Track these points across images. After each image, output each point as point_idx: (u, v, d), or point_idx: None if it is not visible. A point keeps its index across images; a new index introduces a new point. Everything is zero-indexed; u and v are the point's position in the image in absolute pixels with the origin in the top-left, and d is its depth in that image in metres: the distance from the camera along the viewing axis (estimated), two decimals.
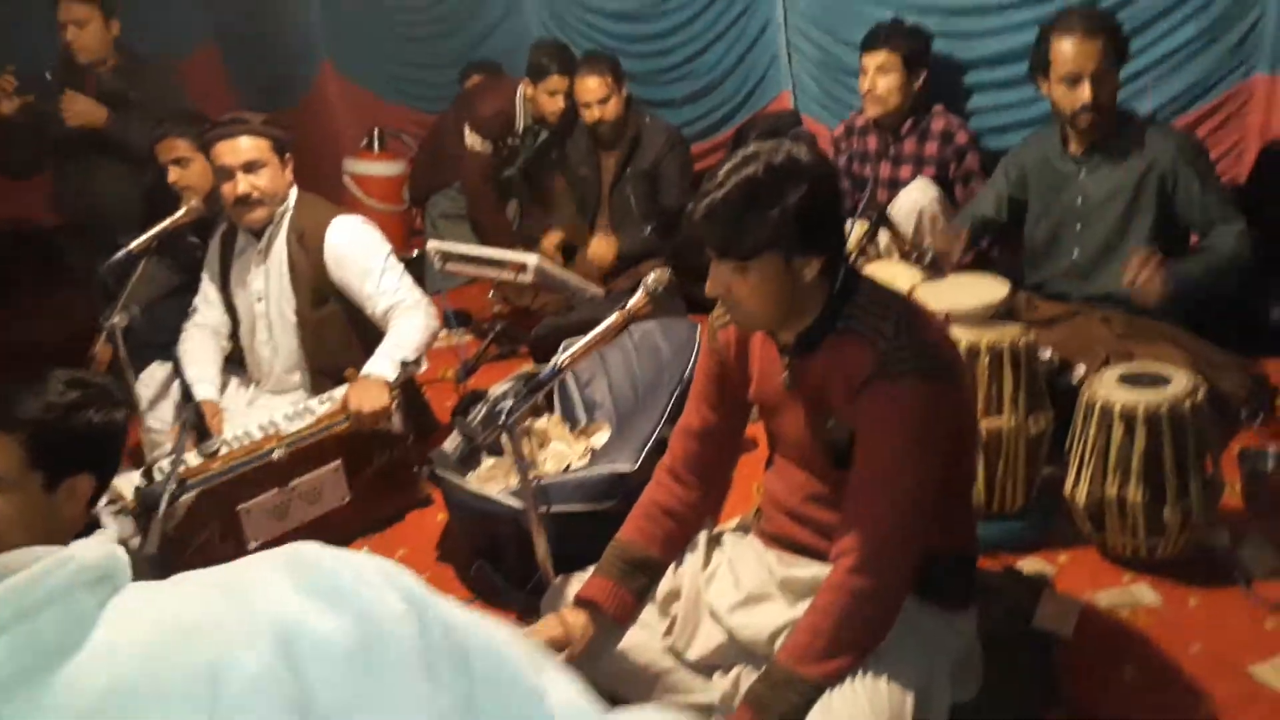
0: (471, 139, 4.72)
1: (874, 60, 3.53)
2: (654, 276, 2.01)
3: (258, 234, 3.05)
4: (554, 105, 4.37)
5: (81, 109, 3.80)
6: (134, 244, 2.93)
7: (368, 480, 2.78)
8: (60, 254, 4.60)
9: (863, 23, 3.80)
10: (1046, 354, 2.66)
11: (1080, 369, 2.63)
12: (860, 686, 1.66)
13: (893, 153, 3.61)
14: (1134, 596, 2.18)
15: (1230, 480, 2.38)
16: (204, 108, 3.81)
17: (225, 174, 2.90)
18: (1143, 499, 2.17)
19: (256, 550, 2.54)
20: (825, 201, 1.73)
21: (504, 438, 2.65)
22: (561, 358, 2.00)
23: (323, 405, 2.86)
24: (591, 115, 4.05)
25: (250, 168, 2.89)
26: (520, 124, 4.66)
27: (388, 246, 3.10)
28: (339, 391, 2.90)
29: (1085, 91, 2.74)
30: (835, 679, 1.66)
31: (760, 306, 1.77)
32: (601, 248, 4.02)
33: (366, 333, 3.05)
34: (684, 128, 4.42)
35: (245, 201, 2.91)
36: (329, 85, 6.16)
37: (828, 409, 1.83)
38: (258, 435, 2.73)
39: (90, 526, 1.74)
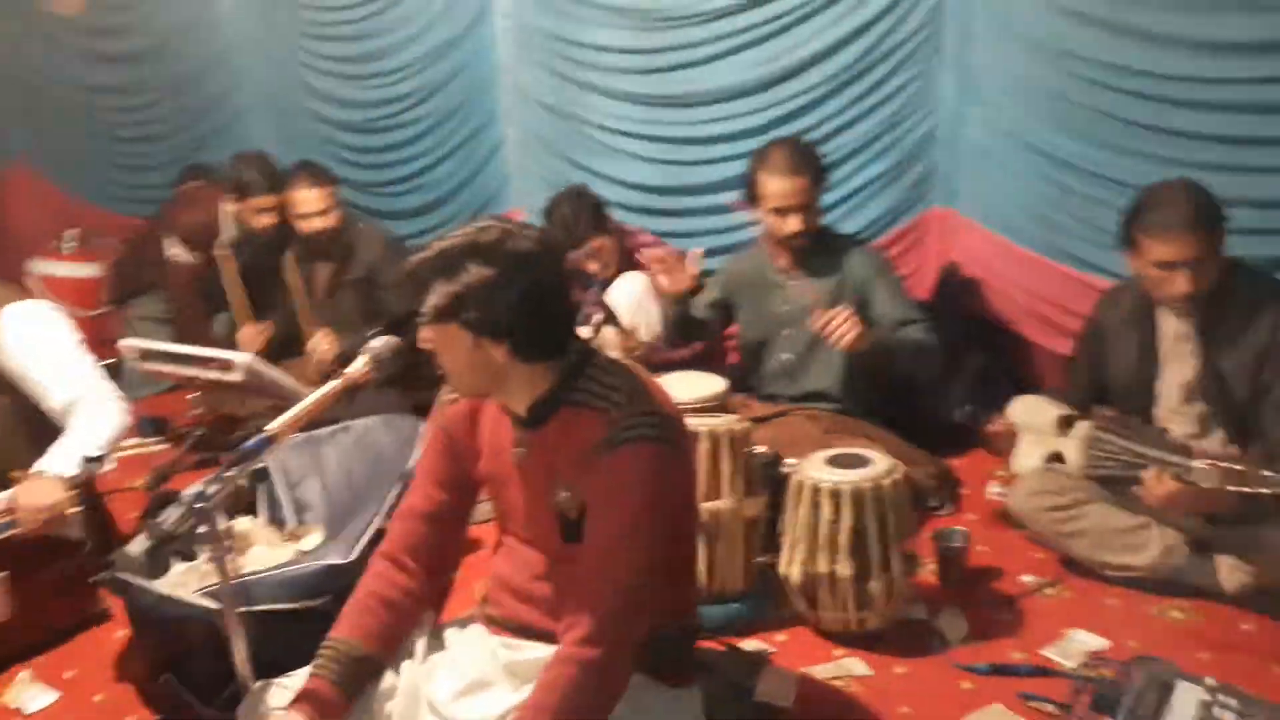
0: (175, 250, 4.46)
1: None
2: (380, 341, 1.93)
3: None
4: (264, 221, 4.19)
5: None
6: None
7: (36, 593, 2.43)
8: None
9: (589, 149, 3.99)
10: (760, 449, 2.79)
11: (792, 460, 2.77)
12: None
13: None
14: (847, 669, 2.26)
15: (924, 560, 2.55)
16: None
17: None
18: (851, 572, 2.28)
19: None
20: (512, 290, 1.67)
21: (198, 531, 2.44)
22: (273, 425, 1.86)
23: None
24: (311, 226, 3.92)
25: None
26: (226, 235, 4.44)
27: (75, 335, 2.81)
28: (3, 494, 2.55)
29: (794, 222, 3.01)
30: None
31: (458, 372, 1.76)
32: (325, 342, 3.83)
33: (40, 430, 2.72)
34: (413, 239, 4.40)
35: None
36: (19, 184, 5.69)
37: (559, 481, 1.80)
38: None
39: None
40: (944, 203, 3.58)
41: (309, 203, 3.88)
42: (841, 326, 2.76)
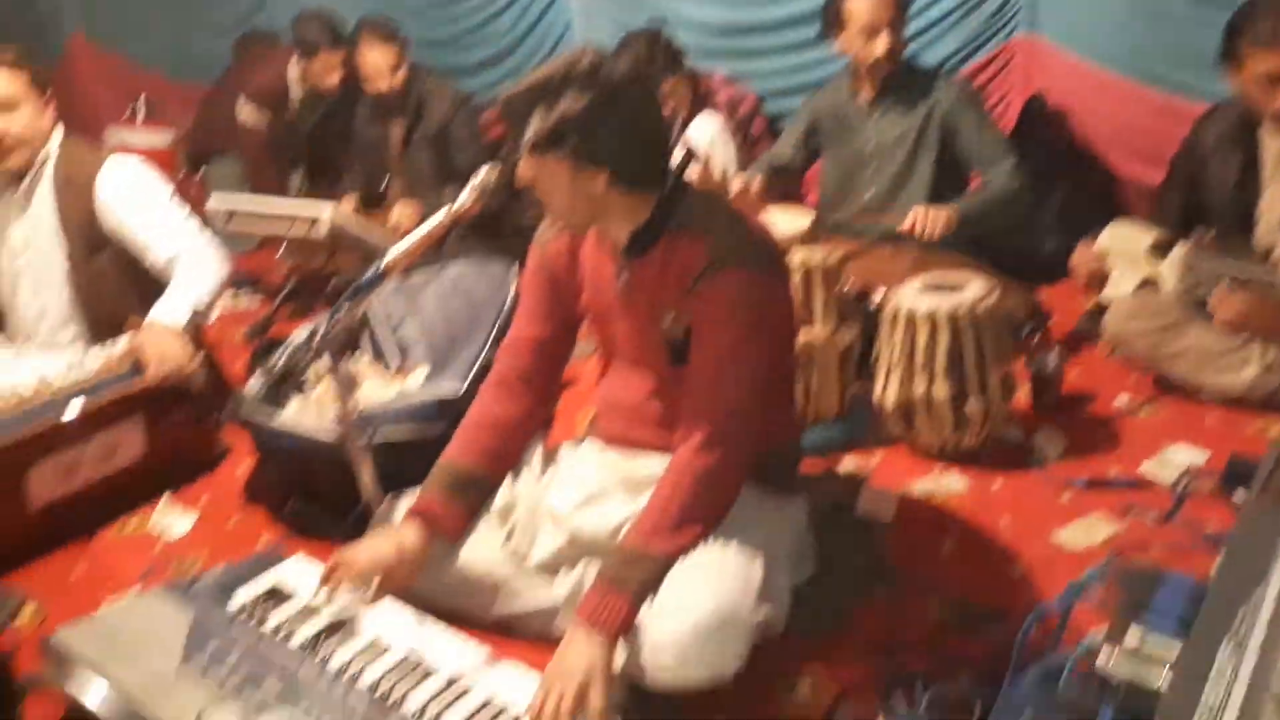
0: (246, 112, 4.48)
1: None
2: (484, 173, 1.96)
3: (17, 179, 2.76)
4: (330, 80, 4.20)
5: None
6: None
7: (165, 434, 2.55)
8: None
9: None
10: (846, 285, 2.80)
11: (879, 293, 2.79)
12: (710, 556, 1.69)
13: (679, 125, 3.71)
14: (944, 484, 2.32)
15: (1019, 384, 2.58)
16: None
17: None
18: (948, 395, 2.32)
19: (41, 511, 2.32)
20: (611, 115, 1.69)
21: (316, 367, 2.55)
22: (385, 260, 1.91)
23: (100, 357, 2.62)
24: (379, 86, 3.92)
25: (3, 107, 2.61)
26: (295, 95, 4.46)
27: (169, 187, 2.87)
28: (120, 345, 2.65)
29: (883, 41, 2.93)
30: (685, 550, 1.68)
31: (560, 206, 1.78)
32: (404, 213, 3.89)
33: (146, 281, 2.81)
34: (475, 95, 4.36)
35: None
36: (81, 56, 5.71)
37: (663, 307, 1.85)
38: (25, 392, 2.45)
39: None
40: (1029, 29, 3.46)
41: (377, 61, 3.86)
42: (927, 223, 2.75)
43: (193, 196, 4.82)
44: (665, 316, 1.85)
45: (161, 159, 4.98)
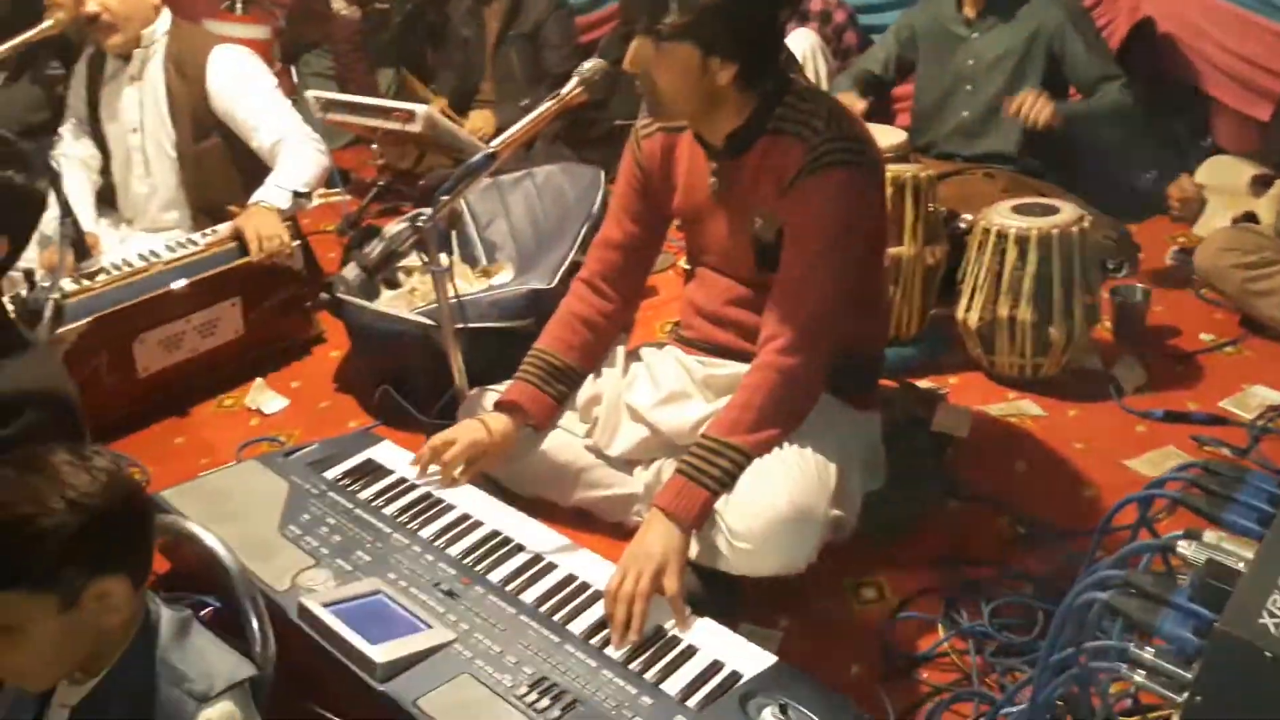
0: (338, 2, 4.52)
1: None
2: (590, 65, 1.98)
3: (128, 60, 2.85)
4: None
5: None
6: None
7: (263, 315, 2.67)
8: None
9: None
10: (934, 206, 2.78)
11: (968, 216, 2.76)
12: (788, 455, 1.74)
13: None
14: (1020, 408, 2.34)
15: (1103, 316, 2.56)
16: None
17: None
18: (1032, 318, 2.32)
19: (146, 380, 2.46)
20: (752, 8, 1.72)
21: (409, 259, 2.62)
22: (495, 143, 1.96)
23: (206, 239, 2.73)
24: None
25: None
26: None
27: (274, 79, 2.95)
28: (224, 226, 2.76)
29: None
30: (764, 448, 1.73)
31: (672, 95, 1.77)
32: (480, 121, 3.94)
33: (250, 170, 2.90)
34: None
35: (95, 23, 2.72)
36: None
37: (755, 209, 1.87)
38: (138, 264, 2.58)
39: None
40: None
41: None
42: (1034, 108, 2.69)
43: (286, 89, 4.96)
44: (757, 218, 1.87)
45: (260, 49, 5.07)
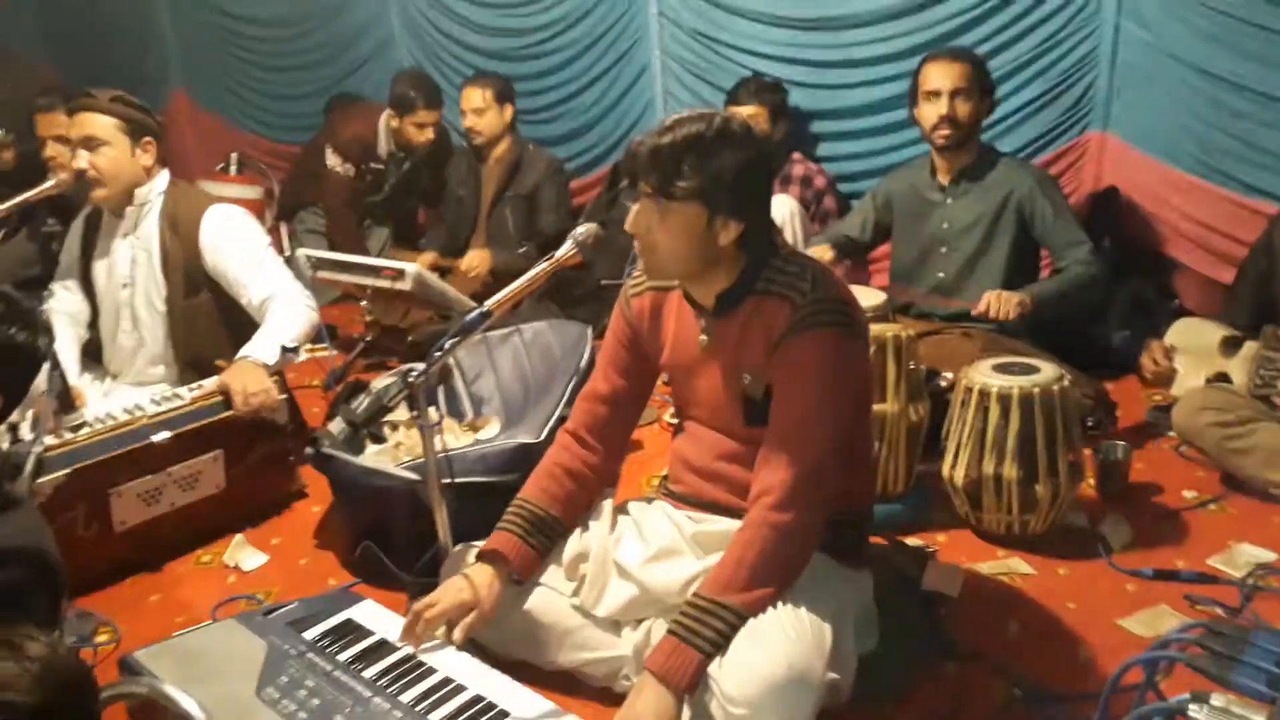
0: (333, 160, 4.67)
1: (741, 113, 3.74)
2: (583, 229, 2.05)
3: (123, 216, 2.92)
4: (422, 137, 4.42)
5: None
6: None
7: (245, 470, 2.65)
8: None
9: (735, 73, 4.03)
10: (914, 365, 2.84)
11: (947, 374, 2.81)
12: (783, 615, 1.71)
13: None
14: (1011, 567, 2.32)
15: (1085, 474, 2.58)
16: None
17: (73, 147, 2.81)
18: (1017, 476, 2.33)
19: (122, 535, 2.40)
20: (758, 173, 1.83)
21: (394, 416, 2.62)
22: (489, 301, 2.00)
23: (191, 393, 2.73)
24: (466, 123, 4.17)
25: (89, 144, 2.79)
26: (383, 149, 4.65)
27: (267, 237, 3.02)
28: (209, 382, 2.77)
29: (943, 104, 3.00)
30: (758, 607, 1.71)
31: (673, 254, 1.83)
32: (476, 259, 4.04)
33: (238, 327, 2.93)
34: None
35: (83, 178, 2.81)
36: (181, 113, 5.99)
37: (744, 367, 1.90)
38: (122, 417, 2.57)
39: None
40: (1101, 126, 3.53)
41: (468, 101, 4.13)
42: (1001, 307, 2.79)
43: (278, 247, 5.06)
44: (746, 375, 1.90)
45: (252, 209, 5.19)
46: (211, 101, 5.93)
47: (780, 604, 1.72)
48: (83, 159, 2.78)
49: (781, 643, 1.65)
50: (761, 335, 1.86)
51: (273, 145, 5.64)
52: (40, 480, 2.21)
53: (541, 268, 2.03)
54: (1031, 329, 3.07)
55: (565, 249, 2.05)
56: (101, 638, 2.22)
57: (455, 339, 1.96)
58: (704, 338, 1.95)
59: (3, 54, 3.88)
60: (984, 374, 2.41)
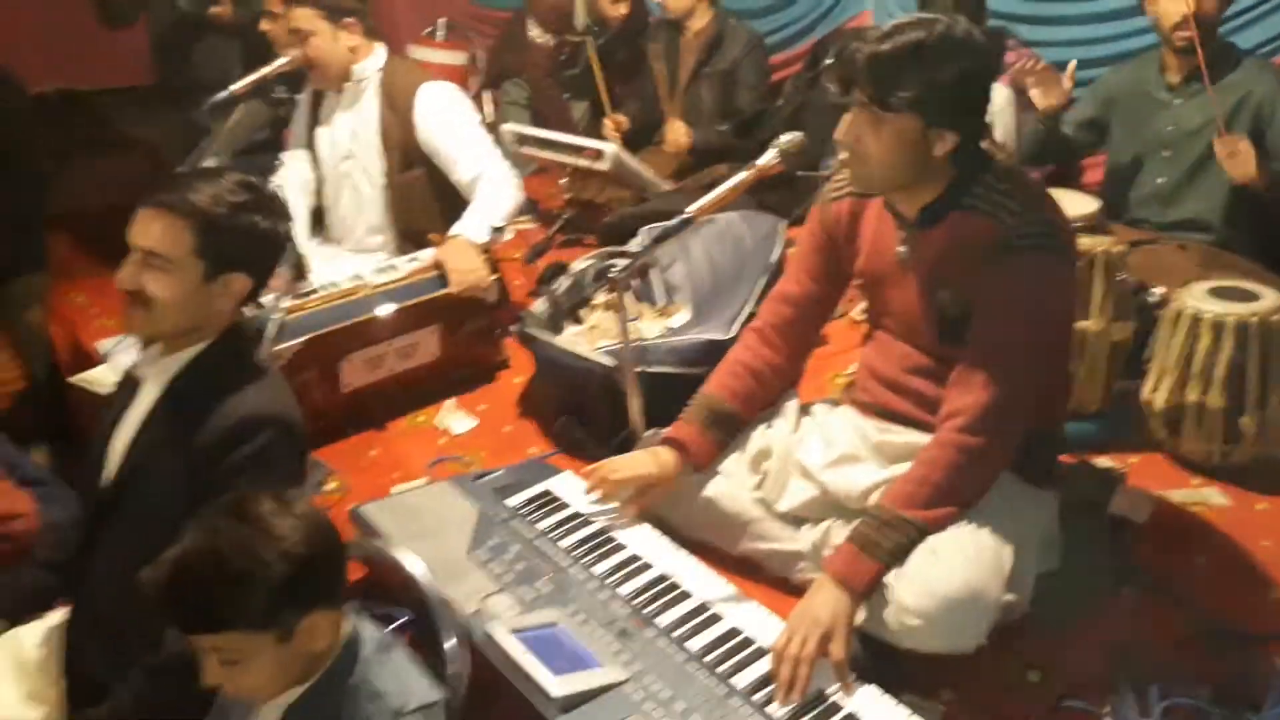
0: (534, 31, 4.73)
1: None
2: (787, 137, 2.06)
3: (343, 92, 3.09)
4: (616, 11, 4.38)
5: (220, 12, 3.95)
6: (236, 86, 2.97)
7: (457, 341, 2.83)
8: (112, 120, 4.67)
9: None
10: (1123, 276, 2.72)
11: (1159, 289, 2.69)
12: (963, 534, 1.75)
13: None
14: (1204, 497, 2.26)
15: None
16: None
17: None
18: (1223, 405, 2.24)
19: (348, 396, 2.65)
20: (979, 85, 1.80)
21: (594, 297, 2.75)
22: (690, 209, 2.05)
23: (409, 264, 2.92)
24: (668, 3, 4.08)
25: (299, 37, 2.97)
26: (580, 21, 4.65)
27: (477, 116, 3.14)
28: (424, 253, 2.96)
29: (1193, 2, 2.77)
30: (939, 525, 1.75)
31: (885, 165, 1.82)
32: (677, 131, 4.05)
33: (450, 199, 3.09)
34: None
35: (304, 60, 2.98)
36: None
37: (943, 282, 1.89)
38: (345, 285, 2.79)
39: (238, 328, 1.80)
40: None
41: None
42: (1241, 158, 2.62)
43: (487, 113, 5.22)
44: (944, 292, 1.90)
45: (457, 76, 5.37)
46: None
47: (963, 523, 1.76)
48: (294, 49, 2.95)
49: (961, 561, 1.70)
50: (964, 253, 1.84)
51: (480, 10, 5.72)
52: (279, 346, 2.45)
53: (744, 176, 2.06)
54: (1257, 238, 2.89)
55: (768, 157, 2.07)
56: (329, 485, 2.48)
57: (655, 241, 2.03)
58: (903, 249, 1.94)
59: None
60: (1198, 298, 2.31)
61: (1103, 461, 2.40)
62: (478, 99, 5.40)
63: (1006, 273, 1.78)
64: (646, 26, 4.50)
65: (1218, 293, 2.33)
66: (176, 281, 1.67)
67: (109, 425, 1.78)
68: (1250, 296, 2.30)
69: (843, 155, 1.87)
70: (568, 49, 4.72)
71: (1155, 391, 2.36)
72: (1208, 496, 2.27)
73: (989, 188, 1.84)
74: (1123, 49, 3.48)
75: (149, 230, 1.67)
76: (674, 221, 2.05)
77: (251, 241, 1.72)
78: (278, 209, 1.77)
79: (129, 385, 1.82)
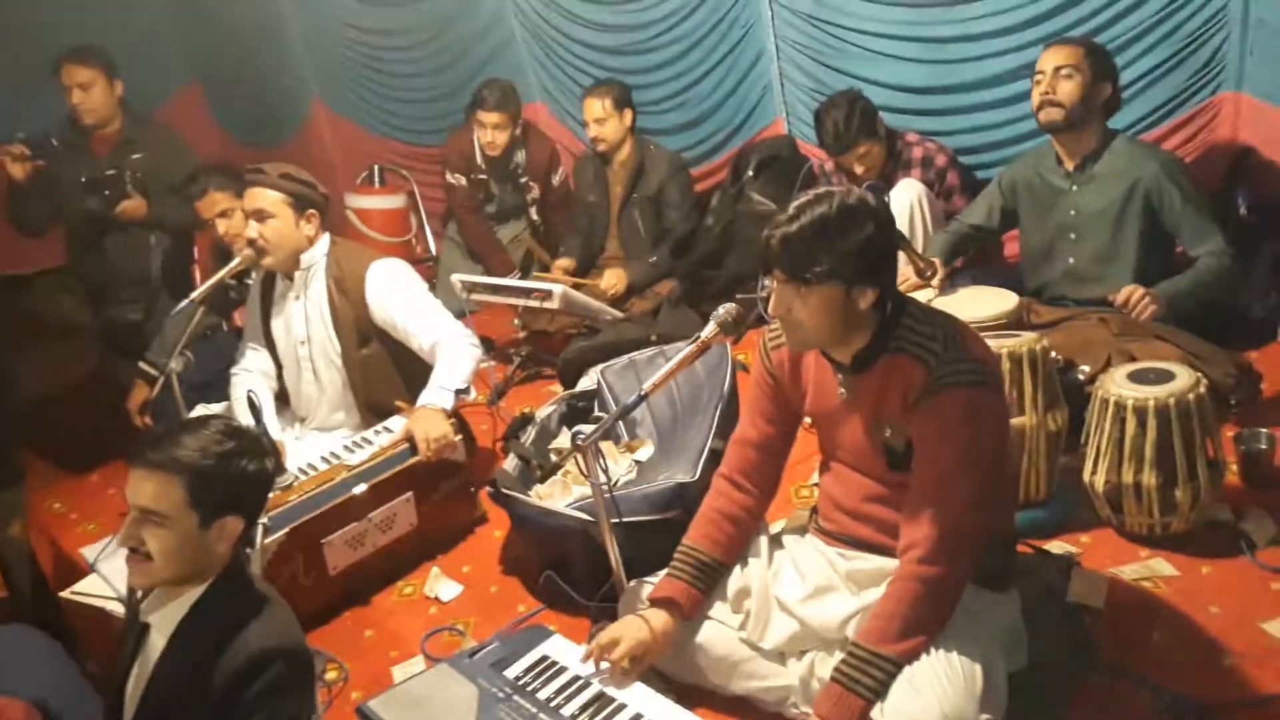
0: (451, 177, 4.90)
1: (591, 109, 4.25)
2: (724, 309, 2.23)
3: (293, 279, 3.21)
4: (486, 138, 4.56)
5: (129, 208, 4.02)
6: (196, 294, 3.09)
7: (432, 505, 2.95)
8: (51, 304, 4.72)
9: (851, 54, 4.06)
10: (1052, 354, 2.90)
11: (1084, 367, 2.88)
12: (935, 661, 1.89)
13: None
14: (1153, 569, 2.42)
15: (1228, 461, 2.62)
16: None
17: (245, 219, 3.12)
18: (1156, 482, 2.41)
19: (336, 578, 2.74)
20: (885, 241, 1.98)
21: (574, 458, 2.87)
22: (645, 386, 2.22)
23: (379, 436, 3.04)
24: (590, 133, 4.37)
25: (259, 216, 3.07)
26: (479, 159, 4.80)
27: (424, 284, 3.28)
28: (393, 423, 3.08)
29: (1044, 84, 3.03)
30: (912, 656, 1.89)
31: (817, 328, 1.99)
32: (613, 280, 4.25)
33: (408, 365, 3.22)
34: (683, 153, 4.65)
35: (253, 246, 3.09)
36: (320, 120, 6.31)
37: (883, 420, 2.06)
38: (322, 467, 2.90)
39: (235, 564, 1.90)
40: (1234, 86, 3.43)
41: (589, 112, 4.33)
42: (1139, 306, 2.82)
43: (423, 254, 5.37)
44: (885, 429, 2.06)
45: (399, 218, 5.55)
46: (347, 110, 6.22)
47: (933, 649, 1.89)
48: (252, 229, 3.08)
49: (936, 691, 1.83)
50: (898, 392, 2.01)
51: (411, 149, 5.89)
52: (266, 540, 2.54)
53: (687, 351, 2.23)
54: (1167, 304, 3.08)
55: (709, 330, 2.23)
56: (330, 674, 2.56)
57: (616, 421, 2.17)
58: (843, 391, 2.11)
59: (147, 123, 4.28)
60: (1120, 385, 2.48)
61: (1056, 543, 2.55)
62: (420, 236, 5.58)
63: (936, 412, 1.95)
64: (555, 159, 4.74)
65: (1136, 377, 2.51)
66: (173, 534, 1.77)
67: (121, 674, 1.87)
68: (1167, 377, 2.48)
69: (778, 323, 2.05)
70: (480, 189, 4.89)
71: (1095, 475, 2.52)
72: (1157, 568, 2.43)
73: (912, 329, 2.01)
74: (1010, 134, 3.73)
75: (142, 490, 1.78)
76: (633, 399, 2.22)
77: (241, 485, 1.84)
78: (262, 448, 1.89)
79: (135, 628, 1.91)
